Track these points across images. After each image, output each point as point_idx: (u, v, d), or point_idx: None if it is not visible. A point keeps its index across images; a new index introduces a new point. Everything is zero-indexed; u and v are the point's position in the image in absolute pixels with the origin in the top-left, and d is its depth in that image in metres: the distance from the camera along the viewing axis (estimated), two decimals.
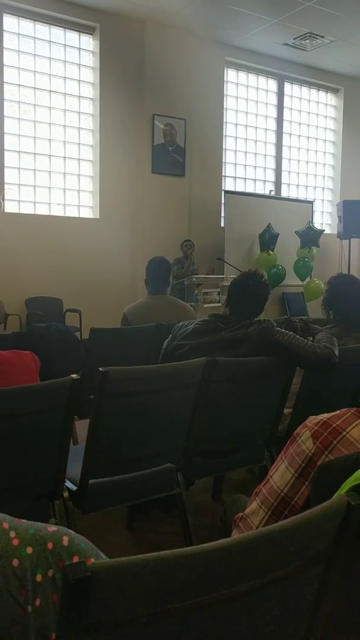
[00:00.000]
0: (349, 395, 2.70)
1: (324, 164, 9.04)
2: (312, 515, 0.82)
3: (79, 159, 6.83)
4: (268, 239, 7.39)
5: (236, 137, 8.03)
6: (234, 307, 2.51)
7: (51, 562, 0.98)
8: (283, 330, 2.42)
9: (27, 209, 6.50)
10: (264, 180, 8.40)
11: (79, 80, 6.75)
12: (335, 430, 1.14)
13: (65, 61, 6.63)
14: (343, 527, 0.84)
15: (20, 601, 0.91)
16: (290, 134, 8.59)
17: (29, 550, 0.97)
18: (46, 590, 0.94)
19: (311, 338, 2.46)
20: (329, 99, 8.97)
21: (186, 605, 0.71)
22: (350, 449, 1.11)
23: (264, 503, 1.18)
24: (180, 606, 0.71)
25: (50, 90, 6.55)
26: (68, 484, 1.99)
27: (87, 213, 6.94)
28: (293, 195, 8.64)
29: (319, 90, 8.80)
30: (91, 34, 6.74)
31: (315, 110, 8.84)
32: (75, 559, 1.03)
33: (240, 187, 8.10)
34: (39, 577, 0.94)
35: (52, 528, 1.08)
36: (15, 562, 0.95)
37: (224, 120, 7.76)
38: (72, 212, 6.83)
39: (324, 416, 1.19)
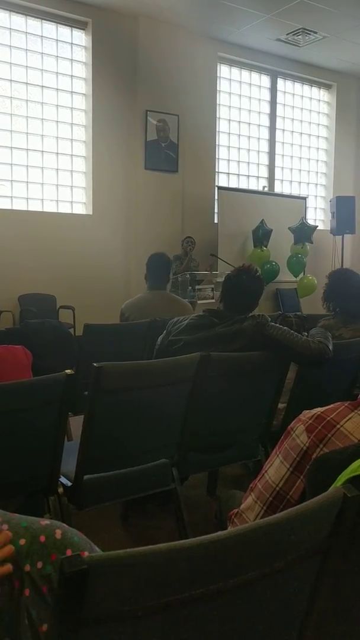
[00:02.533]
0: (343, 389, 2.71)
1: (317, 160, 9.05)
2: (308, 507, 0.82)
3: (71, 155, 6.80)
4: (261, 235, 7.39)
5: (229, 133, 8.02)
6: (228, 303, 2.51)
7: (41, 555, 0.97)
8: (277, 325, 2.42)
9: (19, 205, 6.47)
10: (257, 177, 8.40)
11: (72, 76, 6.72)
12: (330, 424, 1.15)
13: (57, 56, 6.60)
14: (339, 520, 0.84)
15: (15, 592, 0.91)
16: (283, 130, 8.58)
17: (22, 542, 0.97)
18: (35, 582, 0.94)
19: (306, 333, 2.46)
20: (322, 94, 8.98)
21: (183, 598, 0.71)
22: (344, 441, 1.11)
23: (260, 498, 1.18)
24: (177, 599, 0.71)
25: (43, 86, 6.51)
26: (62, 479, 1.99)
27: (80, 209, 6.91)
28: (286, 191, 8.65)
29: (311, 86, 8.80)
30: (83, 29, 6.71)
31: (308, 106, 8.84)
32: (69, 552, 1.03)
33: (233, 183, 8.09)
34: (27, 567, 0.94)
35: (45, 522, 1.07)
36: None
37: (217, 116, 7.75)
38: (65, 209, 6.80)
39: (318, 410, 1.19)
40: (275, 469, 1.18)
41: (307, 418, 1.18)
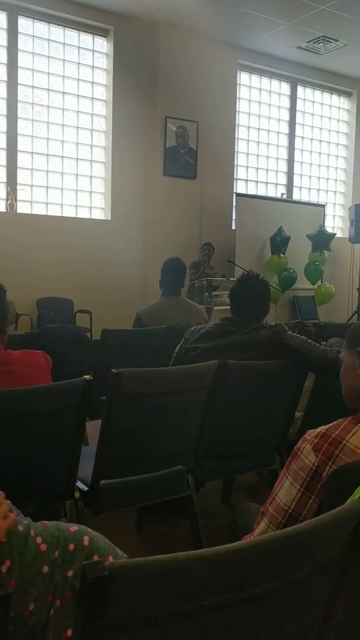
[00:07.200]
0: None
1: (336, 168, 9.01)
2: (326, 519, 0.82)
3: (91, 161, 6.85)
4: (279, 242, 7.38)
5: (248, 140, 8.03)
6: (239, 311, 2.52)
7: (71, 563, 0.99)
8: (295, 334, 2.42)
9: (39, 210, 6.53)
10: (276, 184, 8.39)
11: (92, 82, 6.78)
12: (335, 441, 1.15)
13: (79, 63, 6.67)
14: (357, 532, 0.84)
15: (46, 607, 0.93)
16: (303, 137, 8.57)
17: (56, 553, 0.99)
18: (63, 589, 0.95)
19: (324, 343, 2.46)
20: (342, 102, 8.95)
21: (201, 607, 0.72)
22: (352, 457, 1.12)
23: (272, 522, 1.18)
24: (195, 607, 0.71)
25: (64, 92, 6.58)
26: (79, 484, 2.00)
27: (98, 214, 6.96)
28: (305, 198, 8.62)
29: (331, 93, 8.78)
30: (105, 37, 6.77)
31: (327, 114, 8.82)
32: (96, 558, 1.04)
33: (251, 190, 8.09)
34: (58, 577, 0.95)
35: (74, 528, 1.09)
36: (45, 569, 0.97)
37: (237, 123, 7.76)
38: (83, 214, 6.85)
39: (322, 428, 1.20)
40: (285, 491, 1.18)
41: (313, 437, 1.18)
